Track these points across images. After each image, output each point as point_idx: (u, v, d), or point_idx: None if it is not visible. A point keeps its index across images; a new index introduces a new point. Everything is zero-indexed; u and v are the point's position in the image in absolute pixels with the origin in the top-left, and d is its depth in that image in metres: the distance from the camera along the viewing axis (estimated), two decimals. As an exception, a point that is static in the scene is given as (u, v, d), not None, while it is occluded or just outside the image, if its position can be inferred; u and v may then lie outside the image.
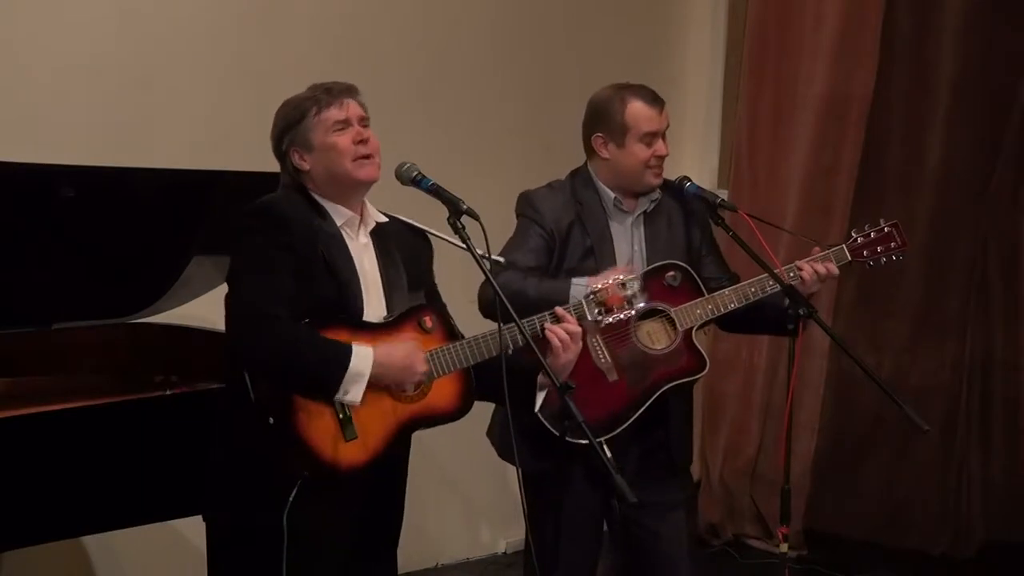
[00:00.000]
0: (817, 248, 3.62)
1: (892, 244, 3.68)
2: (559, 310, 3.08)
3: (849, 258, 3.65)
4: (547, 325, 3.06)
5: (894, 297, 5.70)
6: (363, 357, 2.87)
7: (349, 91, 3.03)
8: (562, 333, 3.05)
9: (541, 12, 5.61)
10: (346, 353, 2.86)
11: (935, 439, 5.69)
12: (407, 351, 2.93)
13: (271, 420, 2.86)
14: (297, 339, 2.86)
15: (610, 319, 3.12)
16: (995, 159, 5.76)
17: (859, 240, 3.67)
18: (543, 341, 3.06)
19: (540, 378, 3.08)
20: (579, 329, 3.07)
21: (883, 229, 3.68)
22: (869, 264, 3.69)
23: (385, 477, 3.04)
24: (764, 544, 5.80)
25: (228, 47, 4.69)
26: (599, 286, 3.11)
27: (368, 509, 3.02)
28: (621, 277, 3.12)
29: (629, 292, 3.09)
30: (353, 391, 2.86)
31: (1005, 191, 5.84)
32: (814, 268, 3.57)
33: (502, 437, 3.61)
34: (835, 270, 3.60)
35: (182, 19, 4.58)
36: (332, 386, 2.85)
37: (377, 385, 2.90)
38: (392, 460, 3.02)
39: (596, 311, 3.10)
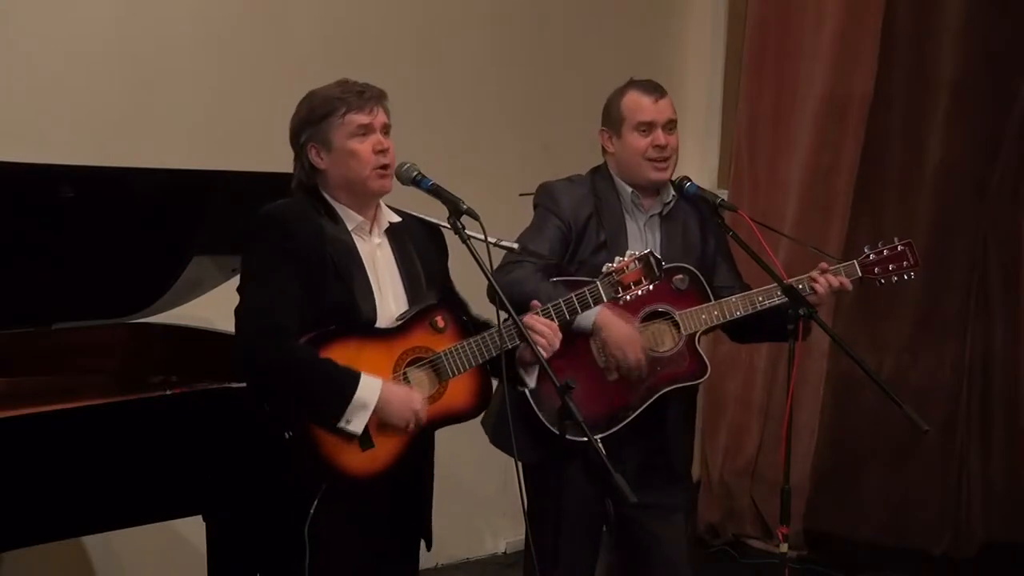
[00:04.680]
0: (825, 263, 3.60)
1: (904, 263, 3.66)
2: (535, 304, 3.09)
3: (860, 274, 3.64)
4: (526, 317, 3.05)
5: (894, 297, 5.69)
6: (370, 388, 2.86)
7: (379, 98, 3.01)
8: (539, 326, 3.03)
9: (540, 12, 5.61)
10: (353, 381, 2.85)
11: (935, 439, 5.68)
12: (411, 396, 2.91)
13: (288, 434, 2.86)
14: (304, 361, 2.85)
15: (627, 297, 3.13)
16: (995, 159, 5.76)
17: (871, 256, 3.65)
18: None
19: (524, 354, 3.06)
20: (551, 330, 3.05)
21: (896, 247, 3.66)
22: (880, 282, 3.67)
23: (408, 480, 3.03)
24: (764, 544, 5.80)
25: (228, 47, 4.69)
26: (614, 265, 3.12)
27: (392, 513, 3.01)
28: (636, 253, 3.13)
29: (642, 265, 3.10)
30: (356, 421, 2.85)
31: (1005, 191, 5.84)
32: (828, 281, 3.55)
33: (496, 425, 3.61)
34: (849, 284, 3.58)
35: (182, 19, 4.58)
36: (336, 413, 2.84)
37: (389, 375, 2.89)
38: (415, 462, 3.01)
39: (611, 291, 3.11)
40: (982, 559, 5.80)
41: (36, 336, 3.81)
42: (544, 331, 3.02)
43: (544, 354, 2.99)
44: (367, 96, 2.99)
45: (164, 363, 3.97)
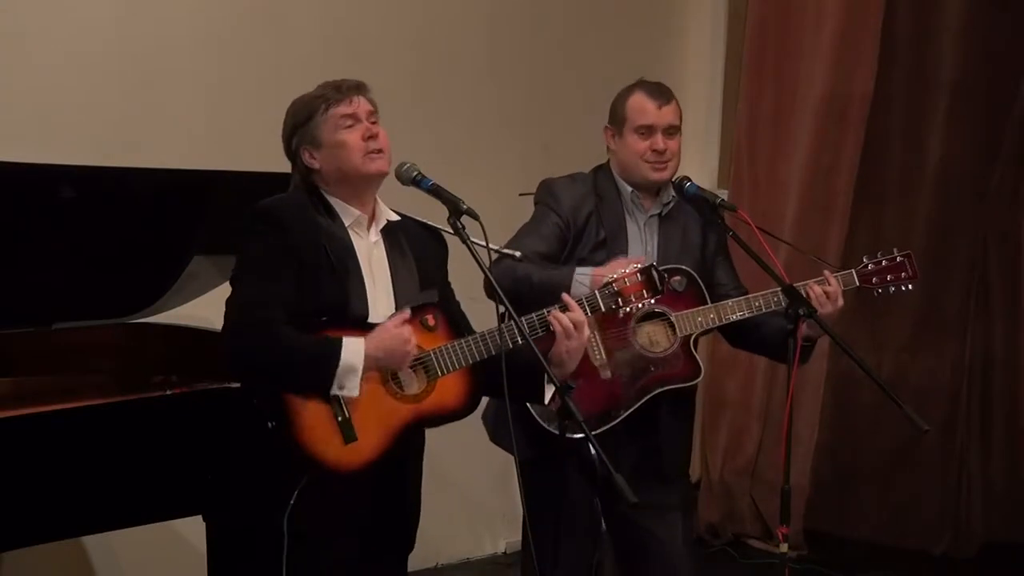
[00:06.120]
0: (827, 271, 3.61)
1: (903, 274, 3.68)
2: (566, 298, 3.07)
3: (857, 283, 3.65)
4: (552, 312, 3.05)
5: (894, 297, 5.67)
6: (354, 350, 2.86)
7: (358, 88, 3.02)
8: (565, 320, 3.03)
9: (540, 12, 5.61)
10: (336, 347, 2.85)
11: (935, 439, 5.69)
12: (394, 326, 2.90)
13: (270, 424, 2.87)
14: (285, 340, 2.85)
15: (627, 308, 3.12)
16: (995, 159, 5.76)
17: (870, 267, 3.67)
18: (547, 335, 3.05)
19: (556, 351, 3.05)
20: (583, 318, 3.05)
21: (895, 258, 3.67)
22: (877, 292, 3.69)
23: (392, 477, 3.02)
24: (764, 544, 5.80)
25: (228, 47, 4.69)
26: (615, 275, 3.11)
27: (375, 509, 3.00)
28: (637, 266, 3.12)
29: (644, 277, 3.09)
30: (349, 385, 2.86)
31: (1005, 191, 5.84)
32: (824, 290, 3.54)
33: (495, 422, 3.62)
34: (836, 289, 3.56)
35: (182, 19, 4.58)
36: (326, 382, 2.85)
37: (376, 374, 2.89)
38: (399, 460, 3.01)
39: (610, 302, 3.10)
40: (982, 559, 5.80)
41: (36, 336, 3.81)
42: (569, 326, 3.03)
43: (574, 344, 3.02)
44: (344, 88, 3.00)
45: (164, 363, 3.97)
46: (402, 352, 2.91)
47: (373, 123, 3.00)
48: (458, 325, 3.10)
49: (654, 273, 3.11)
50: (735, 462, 5.91)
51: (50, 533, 3.41)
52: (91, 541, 4.46)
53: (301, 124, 3.00)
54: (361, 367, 2.86)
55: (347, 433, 2.88)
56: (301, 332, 2.87)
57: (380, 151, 2.99)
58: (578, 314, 3.05)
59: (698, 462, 5.87)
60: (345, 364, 2.85)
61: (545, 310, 3.06)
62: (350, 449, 2.89)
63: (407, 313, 2.95)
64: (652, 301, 3.13)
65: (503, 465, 3.60)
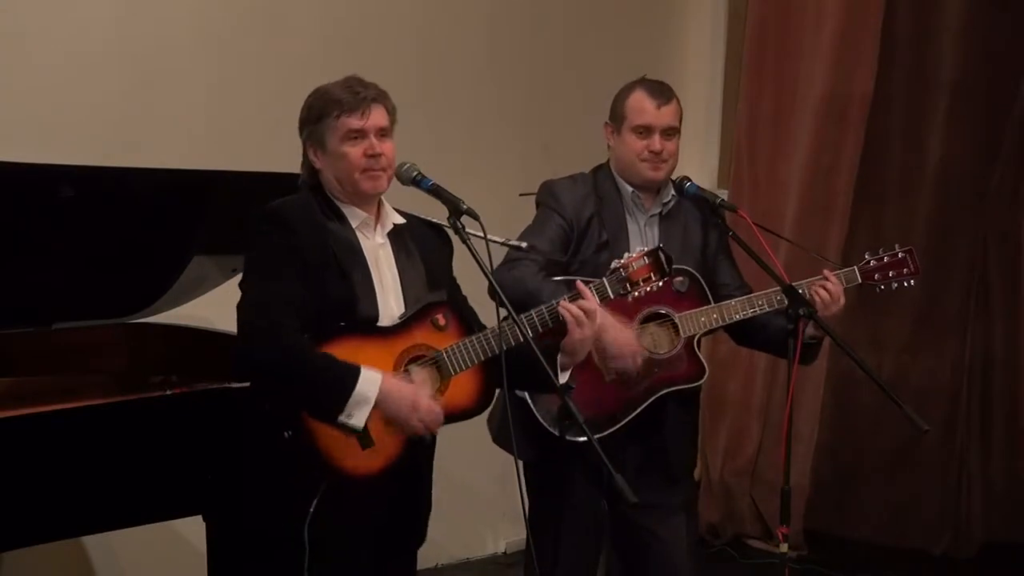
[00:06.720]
0: (827, 270, 3.61)
1: (905, 270, 3.68)
2: (580, 285, 3.07)
3: (860, 280, 3.66)
4: (561, 302, 3.04)
5: (894, 297, 5.66)
6: (370, 381, 2.85)
7: (376, 99, 3.00)
8: (575, 309, 3.03)
9: (540, 12, 5.61)
10: (353, 375, 2.84)
11: (935, 439, 5.69)
12: (415, 391, 2.90)
13: (287, 434, 2.86)
14: (303, 356, 2.84)
15: (635, 293, 3.11)
16: (995, 159, 5.77)
17: (872, 263, 3.67)
18: (552, 329, 3.04)
19: (561, 358, 3.05)
20: (595, 307, 3.05)
21: (897, 254, 3.68)
22: (880, 288, 3.69)
23: (408, 479, 3.02)
24: (764, 544, 5.80)
25: (228, 47, 4.69)
26: (621, 262, 3.10)
27: (391, 512, 3.00)
28: (645, 249, 3.11)
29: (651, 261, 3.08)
30: (357, 415, 2.84)
31: (1005, 191, 5.84)
32: (828, 290, 3.54)
33: (499, 424, 3.61)
34: (838, 290, 3.56)
35: (182, 19, 4.58)
36: (336, 407, 2.83)
37: (391, 373, 2.88)
38: (416, 462, 3.01)
39: (619, 288, 3.09)
40: (982, 559, 5.80)
41: (36, 336, 3.81)
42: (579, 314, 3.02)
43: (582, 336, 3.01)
44: (361, 97, 2.97)
45: (164, 363, 3.97)
46: (408, 414, 2.87)
47: (381, 139, 2.99)
48: (468, 322, 3.09)
49: (661, 255, 3.10)
50: (735, 462, 5.91)
51: (50, 533, 3.41)
52: (91, 541, 4.47)
53: (312, 122, 2.99)
54: (373, 401, 2.84)
55: (363, 440, 2.88)
56: (317, 341, 2.86)
57: (382, 170, 2.99)
58: (590, 302, 3.04)
59: (698, 462, 5.87)
60: (359, 394, 2.83)
61: (554, 300, 3.06)
62: (368, 454, 2.89)
63: (428, 396, 2.92)
64: (660, 284, 3.11)
65: (504, 465, 3.59)
